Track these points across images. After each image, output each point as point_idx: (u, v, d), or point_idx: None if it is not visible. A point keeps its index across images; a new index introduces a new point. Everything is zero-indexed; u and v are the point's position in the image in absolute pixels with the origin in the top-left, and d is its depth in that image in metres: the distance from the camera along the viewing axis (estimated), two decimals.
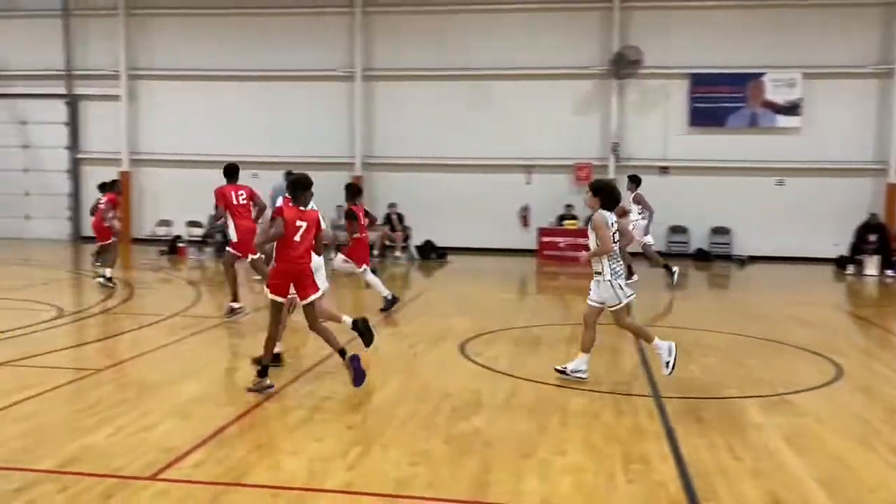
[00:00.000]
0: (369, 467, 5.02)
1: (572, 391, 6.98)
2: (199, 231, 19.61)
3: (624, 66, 19.62)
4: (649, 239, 14.18)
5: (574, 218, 19.47)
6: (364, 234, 11.36)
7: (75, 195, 22.58)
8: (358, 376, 6.66)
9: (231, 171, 10.99)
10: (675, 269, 14.11)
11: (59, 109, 22.26)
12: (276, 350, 7.10)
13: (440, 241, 19.35)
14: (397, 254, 18.70)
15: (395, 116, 20.84)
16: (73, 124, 22.38)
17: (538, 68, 20.07)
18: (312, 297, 6.79)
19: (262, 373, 6.71)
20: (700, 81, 19.83)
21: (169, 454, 5.18)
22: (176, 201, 21.16)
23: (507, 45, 20.24)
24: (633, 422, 6.10)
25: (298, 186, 6.92)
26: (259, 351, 6.90)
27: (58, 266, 16.55)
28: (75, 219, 22.60)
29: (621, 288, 7.12)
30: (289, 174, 17.56)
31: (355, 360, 6.71)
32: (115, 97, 21.87)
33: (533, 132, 20.27)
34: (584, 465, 5.16)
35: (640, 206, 13.92)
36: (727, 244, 19.96)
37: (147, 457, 5.13)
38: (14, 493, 4.52)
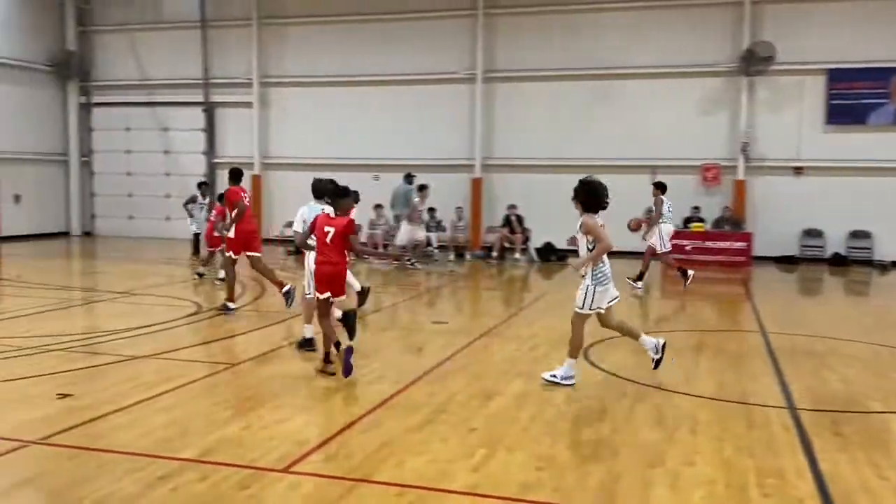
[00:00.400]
0: (494, 470, 5.03)
1: (700, 400, 6.75)
2: None
3: (755, 62, 18.83)
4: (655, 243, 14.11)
5: (702, 220, 18.83)
6: None
7: (212, 197, 23.73)
8: (347, 369, 7.03)
9: (236, 175, 11.34)
10: (691, 272, 13.88)
11: (198, 116, 23.47)
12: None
13: (560, 244, 19.13)
14: (516, 255, 18.65)
15: (516, 117, 20.80)
16: (210, 130, 23.54)
17: (663, 66, 19.55)
18: (337, 299, 7.44)
19: (326, 359, 7.46)
20: (838, 77, 18.77)
21: (300, 448, 5.36)
22: (303, 203, 21.86)
23: (630, 43, 19.83)
24: (767, 434, 5.84)
25: (337, 195, 7.58)
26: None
27: (196, 265, 17.41)
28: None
29: (606, 291, 7.10)
30: (408, 176, 17.99)
31: (349, 352, 7.08)
32: (248, 104, 22.86)
33: (657, 132, 19.75)
34: (715, 476, 4.98)
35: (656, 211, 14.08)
36: (867, 249, 18.80)
37: (279, 450, 5.33)
38: (159, 480, 4.79)
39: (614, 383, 7.33)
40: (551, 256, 18.71)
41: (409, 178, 18.01)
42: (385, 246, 18.91)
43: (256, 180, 22.93)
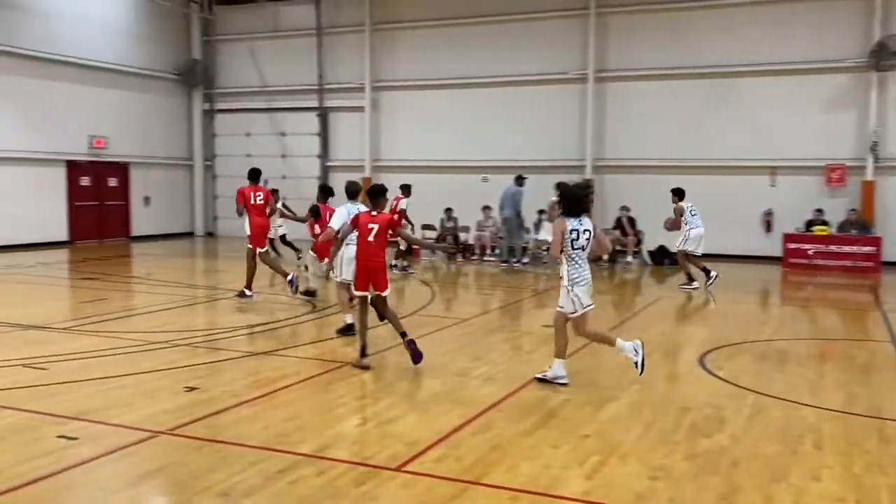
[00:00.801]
0: (608, 478, 4.94)
1: (827, 413, 6.43)
2: (432, 233, 20.42)
3: (886, 56, 17.78)
4: (691, 246, 14.23)
5: (825, 224, 17.93)
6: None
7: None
8: (416, 357, 7.61)
9: (254, 175, 12.23)
10: (714, 273, 14.03)
11: (312, 121, 24.18)
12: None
13: (674, 247, 18.62)
14: (628, 259, 18.28)
15: (628, 118, 20.40)
16: (324, 134, 24.22)
17: (784, 63, 18.72)
18: (384, 293, 7.90)
19: (362, 353, 7.80)
20: None
21: (412, 448, 5.42)
22: (412, 205, 22.14)
23: (748, 40, 19.10)
24: None
25: (375, 193, 7.88)
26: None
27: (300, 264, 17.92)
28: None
29: (577, 297, 7.02)
30: (519, 178, 17.92)
31: (412, 343, 7.64)
32: (360, 108, 23.37)
33: (778, 131, 18.95)
34: (844, 494, 4.73)
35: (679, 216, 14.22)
36: None
37: (392, 448, 5.41)
38: (278, 473, 4.95)
39: (733, 392, 7.07)
40: (665, 260, 18.24)
41: (519, 180, 17.93)
42: (493, 248, 18.92)
43: (367, 183, 23.35)
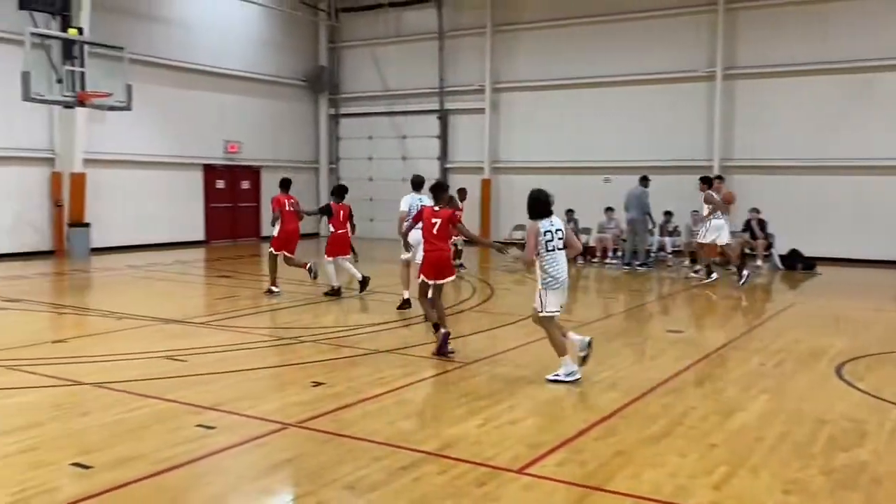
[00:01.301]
0: (737, 489, 4.76)
1: None
2: None
3: None
4: (724, 238, 14.71)
5: None
6: (339, 231, 12.59)
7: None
8: (441, 351, 8.08)
9: (285, 184, 13.25)
10: (746, 272, 14.57)
11: (432, 123, 24.52)
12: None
13: (808, 251, 17.76)
14: (758, 263, 17.52)
15: (758, 116, 19.57)
16: (444, 137, 24.50)
17: None
18: (446, 281, 8.50)
19: (436, 329, 8.36)
20: None
21: (534, 450, 5.41)
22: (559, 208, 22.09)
23: (889, 33, 17.94)
24: None
25: (437, 190, 8.47)
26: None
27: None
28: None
29: (549, 297, 7.16)
30: (644, 179, 17.51)
31: (445, 336, 8.17)
32: (480, 110, 23.49)
33: None
34: None
35: (710, 206, 14.72)
36: None
37: (514, 450, 5.41)
38: (402, 469, 5.05)
39: (875, 405, 6.67)
40: (797, 264, 17.40)
41: (644, 181, 17.52)
42: (615, 250, 18.59)
43: (486, 184, 23.49)
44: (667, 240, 18.53)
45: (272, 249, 12.88)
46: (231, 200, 23.69)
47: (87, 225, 18.90)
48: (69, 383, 7.11)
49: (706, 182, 15.21)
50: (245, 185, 24.16)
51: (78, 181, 18.73)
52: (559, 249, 7.25)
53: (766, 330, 10.42)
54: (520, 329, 10.09)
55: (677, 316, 12.01)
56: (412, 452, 5.35)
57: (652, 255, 18.19)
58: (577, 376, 7.20)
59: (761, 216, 17.93)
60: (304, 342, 9.08)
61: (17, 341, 8.93)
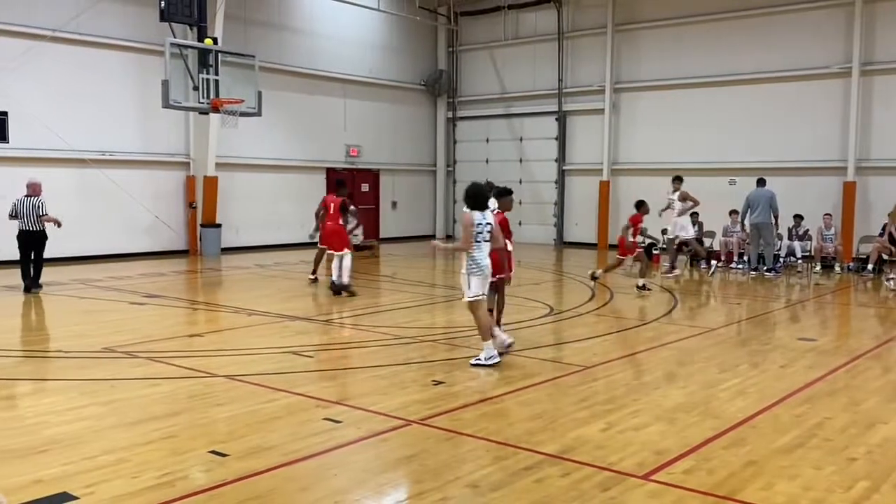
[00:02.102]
0: None
1: None
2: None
3: None
4: (689, 233, 16.54)
5: None
6: (328, 223, 13.24)
7: (560, 203, 24.52)
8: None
9: (339, 184, 14.38)
10: (715, 263, 16.81)
11: (551, 125, 24.38)
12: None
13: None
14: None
15: None
16: (562, 138, 24.30)
17: None
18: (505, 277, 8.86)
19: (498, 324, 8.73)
20: None
21: (659, 457, 5.28)
22: (652, 209, 21.54)
23: None
24: None
25: (477, 198, 7.90)
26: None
27: (546, 268, 18.11)
28: (560, 225, 24.54)
29: (473, 281, 7.69)
30: (760, 181, 16.81)
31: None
32: (599, 111, 23.17)
33: None
34: None
35: (684, 204, 16.06)
36: None
37: (638, 456, 5.30)
38: (524, 470, 5.04)
39: None
40: None
41: (762, 183, 16.89)
42: (741, 254, 17.91)
43: (604, 186, 23.14)
44: (796, 244, 17.69)
45: (322, 246, 13.87)
46: (352, 203, 24.26)
47: (218, 226, 19.85)
48: (204, 375, 7.48)
49: (680, 181, 16.52)
50: (364, 187, 24.75)
51: (211, 184, 19.70)
52: (486, 241, 7.81)
53: None
54: (641, 334, 9.90)
55: (809, 323, 11.45)
56: (533, 454, 5.33)
57: (781, 259, 17.41)
58: (497, 360, 7.81)
59: None
60: (423, 341, 9.21)
61: (156, 334, 9.49)
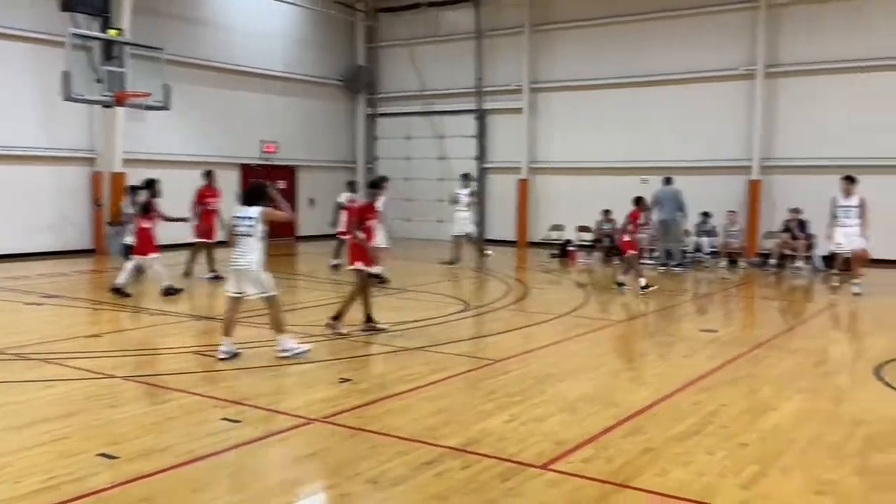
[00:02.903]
0: (767, 489, 4.63)
1: None
2: (588, 236, 20.11)
3: None
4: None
5: None
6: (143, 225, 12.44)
7: (480, 201, 24.62)
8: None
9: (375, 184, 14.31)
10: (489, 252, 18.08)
11: (470, 123, 24.45)
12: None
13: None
14: (798, 264, 17.16)
15: (801, 115, 19.13)
16: (481, 137, 24.41)
17: None
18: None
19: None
20: None
21: (559, 447, 5.33)
22: (567, 207, 21.95)
23: None
24: None
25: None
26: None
27: (464, 265, 18.14)
28: (480, 223, 24.64)
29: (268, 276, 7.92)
30: (667, 180, 17.32)
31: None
32: (518, 110, 23.37)
33: None
34: None
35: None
36: None
37: (539, 446, 5.34)
38: (425, 465, 5.01)
39: None
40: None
41: (669, 181, 17.49)
42: (651, 250, 18.35)
43: (523, 184, 23.37)
44: (703, 240, 18.23)
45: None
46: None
47: (125, 224, 19.17)
48: (101, 376, 7.19)
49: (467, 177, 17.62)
50: (281, 185, 24.33)
51: (117, 181, 19.03)
52: (246, 236, 7.97)
53: (805, 330, 10.19)
54: (552, 328, 10.01)
55: (712, 316, 11.80)
56: (436, 448, 5.31)
57: (688, 255, 17.91)
58: (306, 348, 8.03)
59: (801, 217, 17.55)
60: (334, 339, 9.09)
61: (52, 335, 9.08)
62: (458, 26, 24.44)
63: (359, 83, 25.98)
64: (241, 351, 7.98)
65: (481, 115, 24.28)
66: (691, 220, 18.06)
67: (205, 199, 14.43)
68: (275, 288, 8.01)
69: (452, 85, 24.57)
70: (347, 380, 7.17)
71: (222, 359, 7.72)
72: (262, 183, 8.27)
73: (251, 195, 8.05)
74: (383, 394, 6.69)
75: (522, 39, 23.07)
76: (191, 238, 14.45)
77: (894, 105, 17.95)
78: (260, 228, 7.90)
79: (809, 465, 5.05)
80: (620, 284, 13.52)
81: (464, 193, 17.87)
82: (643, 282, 13.24)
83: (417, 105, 25.52)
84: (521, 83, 23.17)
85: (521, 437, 5.56)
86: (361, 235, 9.24)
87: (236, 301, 7.93)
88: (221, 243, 13.17)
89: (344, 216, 15.22)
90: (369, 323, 9.44)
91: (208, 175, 14.70)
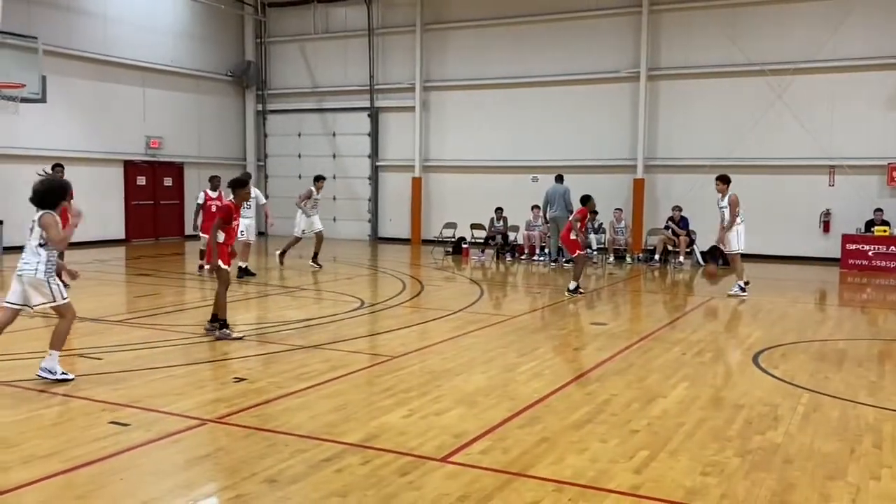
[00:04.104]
0: (657, 472, 4.83)
1: (888, 413, 6.22)
2: (481, 233, 20.39)
3: None
4: None
5: (886, 224, 17.39)
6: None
7: (374, 199, 24.58)
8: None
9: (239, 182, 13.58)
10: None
11: (363, 121, 24.35)
12: None
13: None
14: (680, 259, 17.97)
15: (681, 116, 20.07)
16: (374, 135, 24.35)
17: (842, 59, 18.23)
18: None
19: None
20: None
21: (458, 439, 5.39)
22: (461, 205, 22.18)
23: (805, 37, 18.62)
24: None
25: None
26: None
27: (360, 263, 18.08)
28: (374, 221, 24.59)
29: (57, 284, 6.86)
30: (558, 178, 17.82)
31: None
32: (410, 108, 23.44)
33: (837, 130, 18.45)
34: None
35: None
36: None
37: (438, 440, 5.39)
38: (324, 461, 4.97)
39: (788, 391, 6.88)
40: (718, 261, 17.87)
41: (560, 179, 18.05)
42: (542, 248, 18.80)
43: (416, 182, 23.46)
44: (592, 237, 18.81)
45: None
46: (153, 198, 23.03)
47: (0, 222, 18.12)
48: None
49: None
50: (167, 181, 23.54)
51: None
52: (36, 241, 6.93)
53: (687, 322, 10.67)
54: (448, 323, 10.10)
55: (601, 309, 12.19)
56: (335, 444, 5.27)
57: None
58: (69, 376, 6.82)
59: (682, 213, 18.38)
60: (225, 339, 8.85)
61: None
62: (349, 23, 24.30)
63: (248, 79, 25.41)
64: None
65: (374, 113, 24.23)
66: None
67: None
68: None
69: (344, 82, 24.42)
70: (242, 379, 7.02)
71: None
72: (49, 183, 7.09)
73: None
74: (280, 392, 6.59)
75: (414, 38, 23.15)
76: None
77: (760, 108, 19.05)
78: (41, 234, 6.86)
79: (695, 447, 5.30)
80: (574, 291, 12.86)
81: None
82: (573, 285, 12.93)
83: (309, 102, 25.22)
84: (414, 81, 23.25)
85: (420, 431, 5.59)
86: (221, 237, 8.75)
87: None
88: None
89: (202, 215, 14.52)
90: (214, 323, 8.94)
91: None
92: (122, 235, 21.95)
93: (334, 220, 24.38)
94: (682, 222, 18.31)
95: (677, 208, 18.49)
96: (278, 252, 16.31)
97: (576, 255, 13.23)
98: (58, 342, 6.85)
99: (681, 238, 18.10)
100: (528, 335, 9.41)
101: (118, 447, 5.17)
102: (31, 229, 6.86)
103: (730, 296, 12.87)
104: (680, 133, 20.14)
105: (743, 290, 12.97)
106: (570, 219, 13.65)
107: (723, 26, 19.43)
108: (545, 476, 4.76)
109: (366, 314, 10.93)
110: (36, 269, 6.80)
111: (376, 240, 24.30)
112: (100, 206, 21.15)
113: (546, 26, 21.46)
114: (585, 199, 13.37)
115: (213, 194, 14.62)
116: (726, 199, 13.28)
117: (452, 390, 6.73)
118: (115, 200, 21.81)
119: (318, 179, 16.42)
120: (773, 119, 19.01)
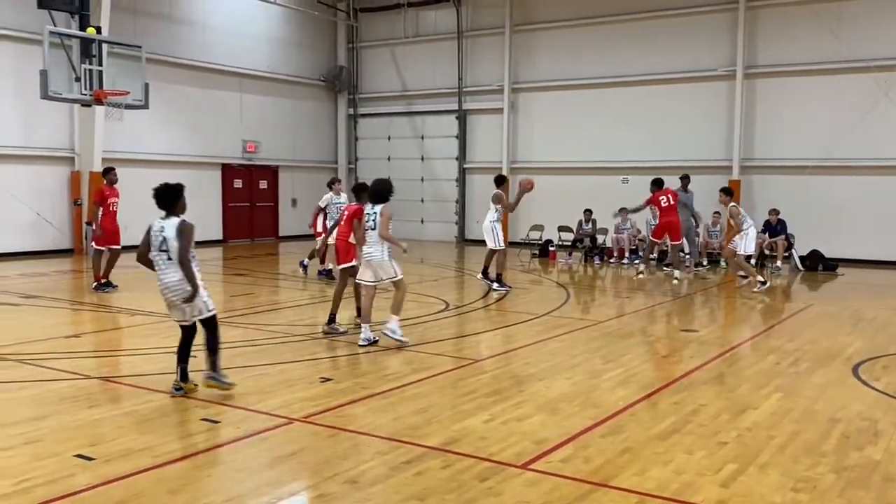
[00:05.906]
0: (746, 487, 4.66)
1: None
2: (568, 236, 20.17)
3: None
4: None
5: None
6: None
7: (462, 201, 24.66)
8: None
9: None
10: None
11: (451, 123, 24.47)
12: None
13: (829, 252, 17.54)
14: (778, 263, 17.30)
15: (779, 115, 19.34)
16: (462, 137, 24.43)
17: None
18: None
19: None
20: None
21: (539, 446, 5.34)
22: (548, 207, 21.99)
23: None
24: None
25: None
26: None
27: (447, 265, 18.18)
28: (461, 223, 24.68)
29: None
30: (656, 181, 17.35)
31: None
32: (498, 110, 23.40)
33: None
34: None
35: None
36: None
37: (518, 446, 5.35)
38: (405, 464, 5.01)
39: (890, 404, 6.54)
40: (818, 265, 17.17)
41: (657, 183, 17.45)
42: (633, 250, 18.44)
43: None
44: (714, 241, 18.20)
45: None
46: (249, 200, 23.79)
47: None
48: (78, 377, 7.13)
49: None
50: (263, 184, 24.26)
51: (97, 180, 18.85)
52: (373, 230, 8.51)
53: (783, 330, 10.27)
54: (533, 328, 10.03)
55: (693, 316, 11.86)
56: (416, 447, 5.30)
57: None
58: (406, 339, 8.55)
59: (780, 217, 17.68)
60: (315, 339, 9.07)
61: (30, 336, 8.99)
62: (438, 26, 24.46)
63: (340, 83, 25.92)
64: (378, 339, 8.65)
65: (462, 116, 24.31)
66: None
67: (106, 201, 13.44)
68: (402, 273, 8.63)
69: (433, 85, 24.59)
70: (328, 379, 7.16)
71: (362, 345, 8.47)
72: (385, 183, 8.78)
73: (375, 193, 8.61)
74: (364, 393, 6.68)
75: (503, 39, 23.11)
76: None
77: (864, 107, 18.14)
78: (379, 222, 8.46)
79: (787, 462, 5.09)
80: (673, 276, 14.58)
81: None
82: (677, 273, 14.54)
83: (399, 105, 25.51)
84: (503, 83, 23.21)
85: (501, 436, 5.57)
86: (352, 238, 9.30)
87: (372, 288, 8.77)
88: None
89: (321, 218, 14.61)
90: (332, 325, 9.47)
91: (107, 172, 13.61)
92: (219, 236, 22.75)
93: (422, 221, 24.60)
94: (780, 225, 17.61)
95: (774, 211, 17.79)
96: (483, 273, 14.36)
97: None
98: (397, 308, 8.60)
99: (778, 242, 17.42)
100: (614, 341, 9.24)
101: (209, 444, 5.36)
102: (374, 221, 8.44)
103: (755, 293, 13.39)
104: (778, 133, 19.41)
105: (764, 283, 13.74)
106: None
107: (822, 22, 18.60)
108: (627, 487, 4.66)
109: (451, 316, 10.96)
110: (382, 254, 8.47)
111: (463, 241, 24.37)
112: (199, 207, 21.98)
113: (638, 25, 21.06)
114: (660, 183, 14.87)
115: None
116: (728, 209, 14.01)
117: (535, 396, 6.68)
118: (213, 202, 22.62)
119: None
120: (879, 117, 18.09)
